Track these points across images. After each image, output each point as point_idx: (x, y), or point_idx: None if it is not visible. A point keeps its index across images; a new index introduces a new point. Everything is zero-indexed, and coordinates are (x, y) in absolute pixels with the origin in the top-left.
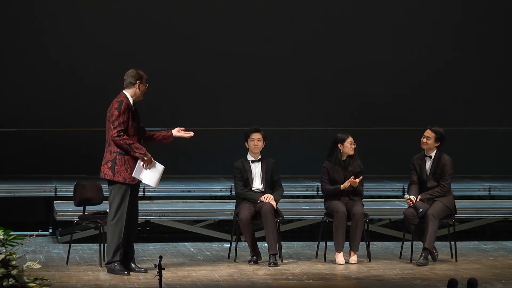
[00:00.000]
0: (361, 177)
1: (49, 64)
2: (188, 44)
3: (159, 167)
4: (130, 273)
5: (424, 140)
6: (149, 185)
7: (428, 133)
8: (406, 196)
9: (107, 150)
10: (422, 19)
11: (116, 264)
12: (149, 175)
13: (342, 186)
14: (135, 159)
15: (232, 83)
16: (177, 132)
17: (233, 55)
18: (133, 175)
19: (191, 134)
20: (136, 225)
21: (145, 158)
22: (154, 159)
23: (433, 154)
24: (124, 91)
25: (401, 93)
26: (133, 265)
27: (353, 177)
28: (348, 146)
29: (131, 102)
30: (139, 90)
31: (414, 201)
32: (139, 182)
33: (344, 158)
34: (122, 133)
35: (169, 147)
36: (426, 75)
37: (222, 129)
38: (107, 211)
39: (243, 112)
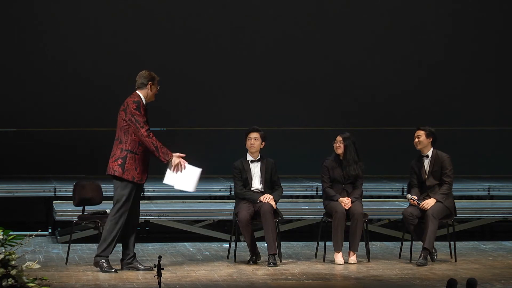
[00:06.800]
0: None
1: (49, 63)
2: (189, 44)
3: (194, 170)
4: (118, 271)
5: (416, 140)
6: (186, 191)
7: (418, 132)
8: (409, 196)
9: (117, 148)
10: (419, 19)
11: (104, 261)
12: (182, 180)
13: (340, 199)
14: (145, 160)
15: (232, 83)
16: (176, 158)
17: (233, 55)
18: (164, 182)
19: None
20: (137, 224)
21: (172, 164)
22: (188, 163)
23: (429, 153)
24: (137, 91)
25: (400, 93)
26: (137, 264)
27: (349, 199)
28: (335, 146)
29: (144, 102)
30: (150, 91)
31: (416, 199)
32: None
33: (341, 157)
34: (151, 133)
35: (167, 147)
36: (426, 74)
37: (222, 129)
38: (107, 211)
39: (243, 112)
